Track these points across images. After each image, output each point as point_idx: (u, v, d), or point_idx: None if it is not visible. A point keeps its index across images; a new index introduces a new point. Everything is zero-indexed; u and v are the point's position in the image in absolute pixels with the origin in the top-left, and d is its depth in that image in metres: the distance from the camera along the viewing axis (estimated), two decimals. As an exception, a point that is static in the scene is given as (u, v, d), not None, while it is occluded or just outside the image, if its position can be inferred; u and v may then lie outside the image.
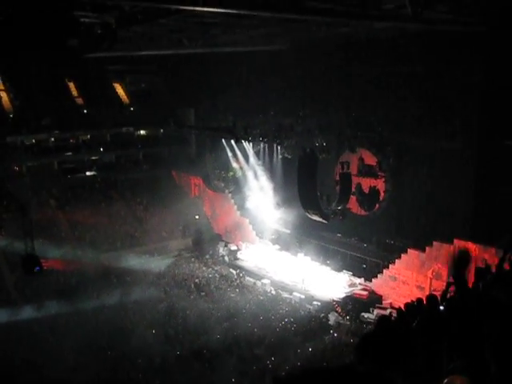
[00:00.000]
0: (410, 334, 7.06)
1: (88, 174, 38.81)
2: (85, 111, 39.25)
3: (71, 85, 39.85)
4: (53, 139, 38.39)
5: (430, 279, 24.83)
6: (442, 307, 8.07)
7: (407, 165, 28.00)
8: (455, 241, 23.92)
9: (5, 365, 20.98)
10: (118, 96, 41.24)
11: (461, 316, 6.24)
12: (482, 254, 22.14)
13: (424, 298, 9.37)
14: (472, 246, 23.10)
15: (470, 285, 9.15)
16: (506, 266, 8.82)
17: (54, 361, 20.92)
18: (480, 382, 2.74)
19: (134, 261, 31.85)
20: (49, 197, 34.88)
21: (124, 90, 41.45)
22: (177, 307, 26.64)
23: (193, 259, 33.75)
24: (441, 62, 24.60)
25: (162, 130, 41.57)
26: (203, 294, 28.56)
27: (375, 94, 27.38)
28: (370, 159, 29.76)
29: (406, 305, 9.75)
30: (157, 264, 32.54)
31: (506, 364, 1.88)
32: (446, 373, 3.86)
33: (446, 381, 3.17)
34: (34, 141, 37.89)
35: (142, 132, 41.89)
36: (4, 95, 37.85)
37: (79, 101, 39.71)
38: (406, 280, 25.99)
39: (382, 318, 7.63)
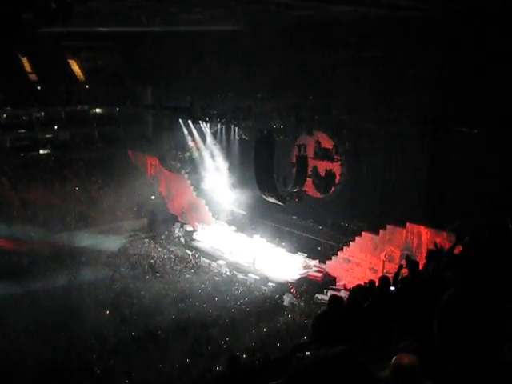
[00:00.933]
0: (361, 314, 7.22)
1: (42, 152, 37.94)
2: (38, 88, 38.25)
3: (25, 60, 38.72)
4: (5, 116, 37.35)
5: (383, 262, 25.33)
6: (393, 288, 8.30)
7: (363, 149, 28.38)
8: (408, 224, 24.46)
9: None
10: (74, 73, 40.33)
11: (411, 297, 6.42)
12: (434, 238, 22.69)
13: (377, 281, 9.60)
14: (424, 230, 23.69)
15: (421, 267, 9.42)
16: (457, 251, 9.09)
17: (3, 342, 20.56)
18: (428, 359, 2.84)
19: (87, 241, 31.41)
20: (0, 175, 34.04)
21: (80, 66, 40.50)
22: (131, 288, 26.45)
23: (148, 240, 33.53)
24: (400, 47, 24.85)
25: (118, 109, 40.83)
26: (158, 274, 28.45)
27: (333, 77, 27.54)
28: (327, 142, 30.03)
29: (357, 286, 9.97)
30: (111, 244, 32.19)
31: (451, 342, 1.95)
32: (395, 352, 3.97)
33: (394, 359, 3.27)
34: (-15, 117, 36.85)
35: (98, 110, 41.03)
36: (-46, 70, 36.64)
37: (33, 77, 38.65)
38: (360, 262, 26.44)
39: (333, 297, 7.76)
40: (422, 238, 23.88)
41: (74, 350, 20.91)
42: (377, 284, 9.19)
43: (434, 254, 9.01)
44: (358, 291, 9.35)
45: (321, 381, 1.45)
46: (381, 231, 25.70)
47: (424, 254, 9.97)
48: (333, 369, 1.46)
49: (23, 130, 37.70)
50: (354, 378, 1.46)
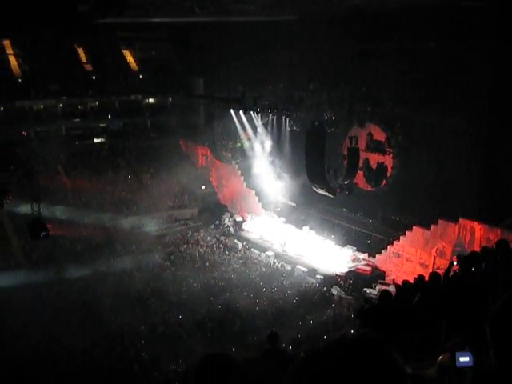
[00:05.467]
0: (410, 310, 7.09)
1: (96, 140, 38.82)
2: (93, 77, 39.08)
3: (80, 51, 39.69)
4: (61, 105, 38.31)
5: (434, 257, 24.84)
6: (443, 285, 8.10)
7: (416, 142, 27.80)
8: (461, 220, 23.88)
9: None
10: (128, 63, 41.00)
11: (462, 295, 6.24)
12: (488, 235, 22.13)
13: (426, 276, 9.39)
14: (477, 226, 23.08)
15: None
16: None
17: (54, 327, 21.15)
18: (479, 360, 2.74)
19: (139, 229, 32.02)
20: (56, 163, 34.90)
21: (133, 57, 41.19)
22: (180, 276, 26.84)
23: (198, 229, 33.87)
24: (453, 38, 24.20)
25: (170, 99, 41.34)
26: (207, 264, 28.71)
27: (387, 69, 27.03)
28: (379, 135, 29.59)
29: (406, 282, 9.78)
30: (162, 233, 32.71)
31: (505, 345, 1.85)
32: (442, 350, 3.86)
33: (440, 357, 3.17)
34: (42, 106, 37.83)
35: (151, 100, 41.67)
36: (13, 59, 37.79)
37: (88, 67, 39.59)
38: (410, 257, 26.02)
39: (384, 292, 7.65)
40: (475, 234, 23.27)
41: (124, 335, 21.39)
42: (427, 279, 9.00)
43: (485, 254, 8.73)
44: (407, 287, 9.19)
45: (336, 364, 1.36)
46: (432, 226, 25.18)
47: (477, 251, 9.67)
48: (351, 352, 1.36)
49: (78, 119, 38.59)
50: (375, 364, 1.35)
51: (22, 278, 25.58)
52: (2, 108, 36.36)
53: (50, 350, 19.89)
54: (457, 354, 2.94)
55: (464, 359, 2.92)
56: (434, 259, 24.79)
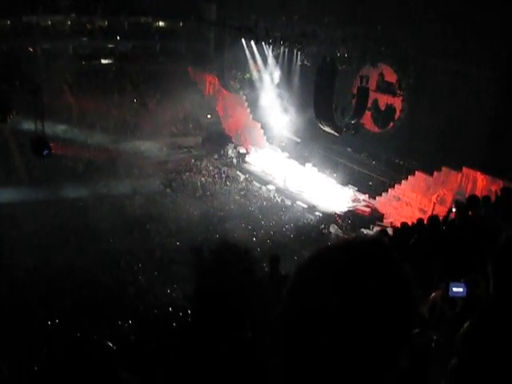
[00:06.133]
0: (406, 250, 7.14)
1: (103, 61, 38.18)
2: (104, -5, 38.10)
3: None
4: (69, 22, 37.47)
5: (434, 204, 24.85)
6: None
7: (427, 86, 27.31)
8: (464, 169, 23.76)
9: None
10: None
11: (458, 239, 6.26)
12: (490, 186, 22.05)
13: (425, 220, 9.41)
14: (480, 176, 22.98)
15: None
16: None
17: (55, 240, 21.48)
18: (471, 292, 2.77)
19: (142, 153, 31.99)
20: (62, 81, 34.46)
21: (146, -23, 39.95)
22: (181, 203, 27.01)
23: (201, 158, 33.83)
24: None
25: (181, 23, 40.36)
26: (208, 193, 28.84)
27: (404, 8, 26.25)
28: (391, 76, 29.06)
29: (404, 223, 9.80)
30: (164, 159, 32.70)
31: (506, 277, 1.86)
32: (435, 289, 3.89)
33: (433, 294, 3.18)
34: (49, 22, 37.01)
35: (161, 23, 40.70)
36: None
37: (99, -17, 38.48)
38: (410, 202, 26.05)
39: (381, 231, 7.68)
40: (476, 184, 23.19)
41: (122, 259, 21.71)
42: (426, 223, 9.02)
43: (485, 201, 8.71)
44: (405, 228, 9.23)
45: (344, 264, 1.35)
46: (435, 173, 25.08)
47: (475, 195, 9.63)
48: (359, 253, 1.35)
49: (85, 38, 37.81)
50: (386, 269, 1.33)
51: (22, 195, 25.80)
52: (9, 22, 35.54)
53: (46, 264, 20.24)
54: (451, 284, 2.95)
55: (457, 289, 2.94)
56: (434, 206, 24.80)
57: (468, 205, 7.81)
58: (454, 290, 2.88)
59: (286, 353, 1.34)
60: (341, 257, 1.33)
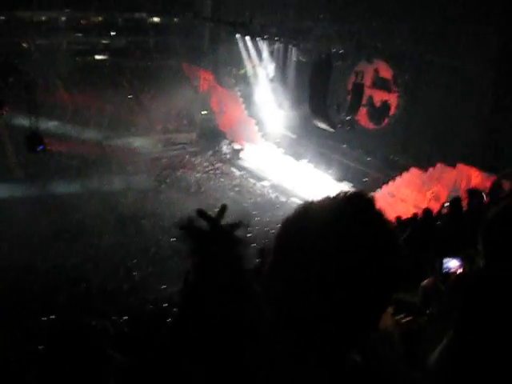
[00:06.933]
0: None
1: (97, 57, 37.99)
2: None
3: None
4: (63, 18, 37.26)
5: (429, 200, 24.84)
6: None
7: (423, 83, 27.28)
8: (459, 165, 23.74)
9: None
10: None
11: (451, 231, 6.22)
12: (484, 183, 22.01)
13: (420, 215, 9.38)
14: (475, 173, 22.95)
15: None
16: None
17: (48, 237, 21.39)
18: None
19: (136, 150, 31.88)
20: (56, 77, 34.30)
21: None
22: (175, 199, 26.93)
23: (195, 154, 33.76)
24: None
25: (176, 19, 40.19)
26: (202, 189, 28.78)
27: (399, 4, 26.19)
28: (386, 72, 29.00)
29: (398, 217, 9.78)
30: (159, 155, 32.60)
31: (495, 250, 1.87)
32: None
33: (425, 281, 3.14)
34: (43, 18, 36.79)
35: (156, 19, 40.50)
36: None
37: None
38: (405, 198, 26.01)
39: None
40: (471, 180, 23.16)
41: (115, 254, 21.64)
42: (420, 216, 8.98)
43: (476, 193, 8.67)
44: (399, 222, 9.18)
45: (329, 217, 1.34)
46: (430, 169, 25.07)
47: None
48: (345, 205, 1.38)
49: (80, 34, 37.62)
50: (368, 220, 1.35)
51: (15, 191, 25.69)
52: (3, 17, 35.29)
53: (39, 260, 20.17)
54: (444, 259, 2.93)
55: (451, 264, 2.92)
56: (429, 202, 24.79)
57: (468, 196, 7.81)
58: (447, 265, 2.85)
59: (275, 307, 1.35)
60: (327, 207, 1.32)
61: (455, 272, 2.79)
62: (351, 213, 1.32)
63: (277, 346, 1.33)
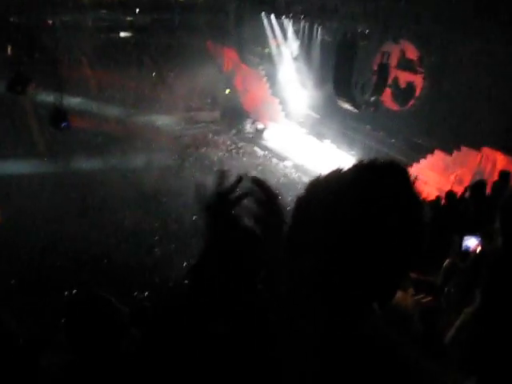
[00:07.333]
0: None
1: (122, 35, 37.96)
2: (123, -33, 37.75)
3: None
4: (88, -6, 37.26)
5: (452, 183, 24.60)
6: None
7: (449, 64, 26.81)
8: (484, 149, 23.43)
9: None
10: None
11: (475, 212, 6.17)
12: (509, 166, 21.72)
13: (443, 198, 9.28)
14: (500, 156, 22.65)
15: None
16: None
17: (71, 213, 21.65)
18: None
19: (160, 128, 31.97)
20: (81, 54, 34.40)
21: None
22: (197, 177, 27.02)
23: (219, 133, 33.76)
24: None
25: (201, -4, 39.92)
26: (225, 168, 28.71)
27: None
28: (412, 53, 28.58)
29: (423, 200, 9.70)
30: (182, 133, 32.68)
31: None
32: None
33: (446, 262, 3.13)
34: (69, -6, 36.81)
35: (181, -4, 40.30)
36: None
37: (119, -45, 38.10)
38: (428, 181, 25.75)
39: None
40: (496, 164, 22.85)
41: (138, 231, 21.84)
42: (443, 200, 8.89)
43: (508, 175, 8.56)
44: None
45: (359, 179, 1.48)
46: (454, 152, 24.79)
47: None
48: (376, 172, 1.43)
49: (105, 11, 37.57)
50: (400, 189, 1.45)
51: (40, 167, 25.97)
52: (29, -7, 35.41)
53: (62, 239, 20.41)
54: (464, 237, 2.93)
55: (470, 243, 2.93)
56: (452, 185, 24.54)
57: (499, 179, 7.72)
58: (467, 243, 2.84)
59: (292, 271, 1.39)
60: (355, 173, 1.46)
61: (474, 250, 2.79)
62: (386, 176, 1.42)
63: (296, 308, 1.34)
